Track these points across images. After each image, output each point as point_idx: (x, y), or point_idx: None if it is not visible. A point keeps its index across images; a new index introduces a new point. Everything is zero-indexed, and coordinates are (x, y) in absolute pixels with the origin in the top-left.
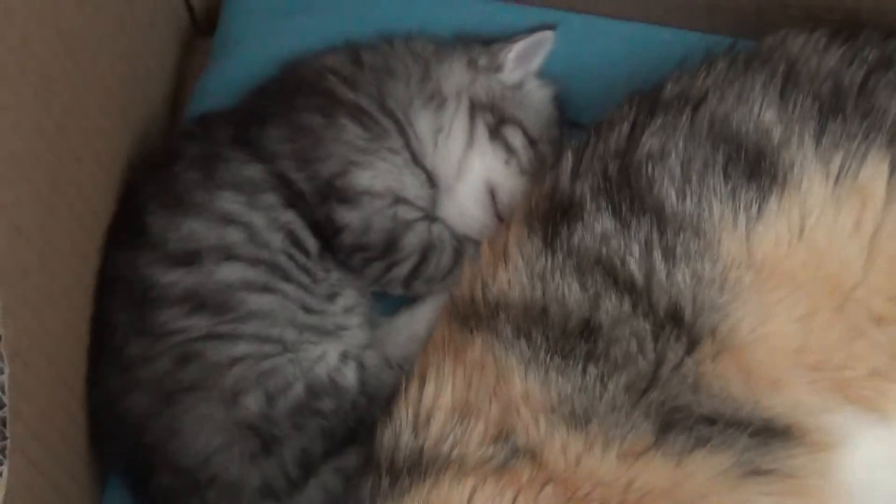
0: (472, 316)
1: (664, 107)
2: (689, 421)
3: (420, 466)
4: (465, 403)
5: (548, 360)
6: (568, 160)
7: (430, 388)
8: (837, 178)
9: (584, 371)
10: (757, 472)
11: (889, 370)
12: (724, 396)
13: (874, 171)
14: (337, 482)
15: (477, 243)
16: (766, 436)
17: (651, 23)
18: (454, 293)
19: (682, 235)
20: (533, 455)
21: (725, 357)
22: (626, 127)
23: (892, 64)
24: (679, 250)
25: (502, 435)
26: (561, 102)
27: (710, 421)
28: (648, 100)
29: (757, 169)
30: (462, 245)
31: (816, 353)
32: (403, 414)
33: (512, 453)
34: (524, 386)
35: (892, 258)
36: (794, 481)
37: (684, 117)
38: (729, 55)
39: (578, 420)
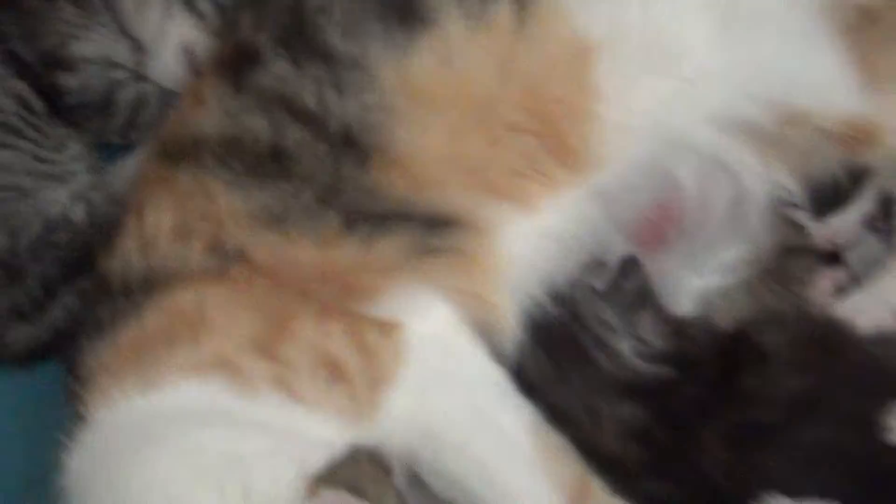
0: (178, 152)
1: None
2: (370, 217)
3: (151, 282)
4: (182, 226)
5: (247, 181)
6: (248, 17)
7: (150, 218)
8: (473, 14)
9: (279, 187)
10: (431, 251)
11: (525, 169)
12: (394, 198)
13: (502, 6)
14: (75, 301)
15: (179, 94)
16: (434, 224)
17: None
18: (160, 134)
19: (347, 72)
20: (243, 256)
21: (391, 168)
22: None
23: None
24: (346, 84)
25: (217, 245)
26: None
27: (387, 217)
28: None
29: (406, 12)
30: (168, 97)
31: (465, 160)
32: (129, 243)
33: (227, 259)
34: (229, 204)
35: (522, 76)
36: (461, 256)
37: None
38: None
39: (278, 222)
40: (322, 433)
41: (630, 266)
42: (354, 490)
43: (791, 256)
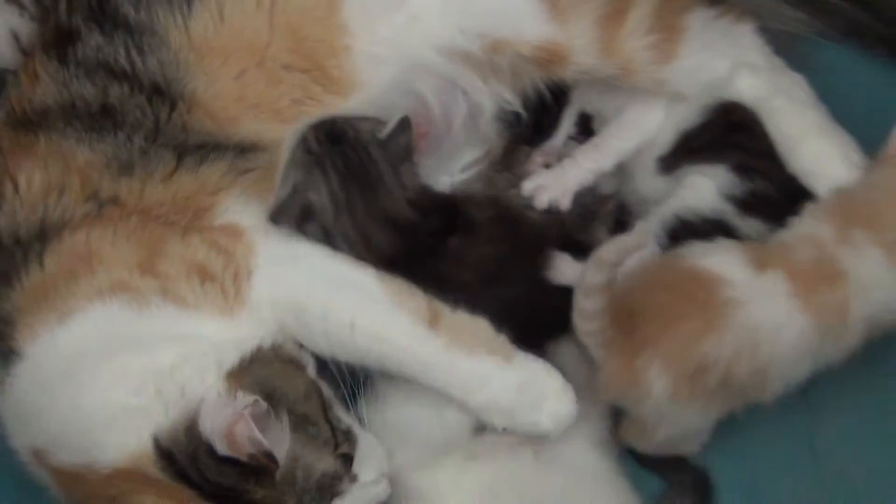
0: (30, 122)
1: None
2: (193, 149)
3: (44, 233)
4: (55, 183)
5: (88, 136)
6: (61, 2)
7: (23, 181)
8: None
9: (116, 136)
10: (246, 171)
11: (303, 97)
12: (204, 133)
13: None
14: None
15: (15, 73)
16: (242, 150)
17: None
18: (9, 109)
19: (144, 37)
20: (114, 200)
21: (196, 110)
22: None
23: None
24: (146, 47)
25: (91, 194)
26: None
27: (206, 148)
28: None
29: None
30: (4, 76)
31: (253, 98)
32: (11, 204)
33: (101, 204)
34: (84, 157)
35: (286, 23)
36: (267, 170)
37: None
38: None
39: (127, 168)
40: (210, 332)
41: (404, 124)
42: (266, 388)
43: (514, 150)
